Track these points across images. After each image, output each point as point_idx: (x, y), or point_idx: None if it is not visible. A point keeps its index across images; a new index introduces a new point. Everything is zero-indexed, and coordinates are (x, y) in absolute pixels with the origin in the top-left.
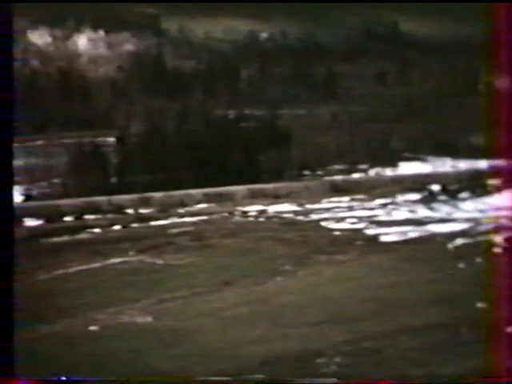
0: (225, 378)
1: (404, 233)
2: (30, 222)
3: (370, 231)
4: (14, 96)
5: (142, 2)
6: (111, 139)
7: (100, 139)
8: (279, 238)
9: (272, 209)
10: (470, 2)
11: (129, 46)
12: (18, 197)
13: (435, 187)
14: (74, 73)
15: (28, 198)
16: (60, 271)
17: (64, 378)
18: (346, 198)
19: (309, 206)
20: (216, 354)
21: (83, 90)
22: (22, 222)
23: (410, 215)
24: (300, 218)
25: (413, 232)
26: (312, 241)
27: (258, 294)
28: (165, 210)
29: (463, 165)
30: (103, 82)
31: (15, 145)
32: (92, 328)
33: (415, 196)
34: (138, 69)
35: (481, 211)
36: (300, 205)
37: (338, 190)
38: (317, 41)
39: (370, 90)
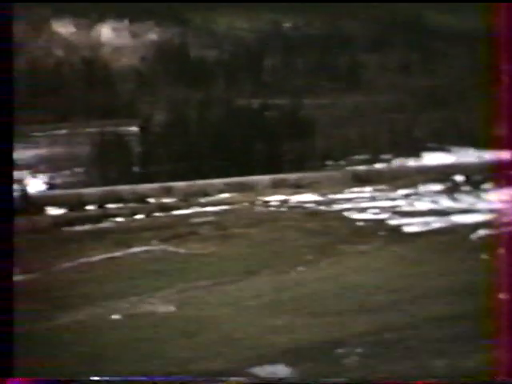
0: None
1: (427, 223)
2: (53, 211)
3: (393, 221)
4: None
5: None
6: (134, 128)
7: (123, 128)
8: (301, 228)
9: (294, 199)
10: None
11: (152, 36)
12: (41, 185)
13: (458, 178)
14: (97, 62)
15: (51, 186)
16: (83, 260)
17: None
18: (369, 189)
19: (331, 196)
20: (238, 343)
21: (107, 80)
22: (44, 210)
23: (433, 206)
24: (322, 208)
25: (436, 222)
26: (334, 231)
27: (281, 284)
28: (187, 199)
29: (487, 155)
30: (126, 71)
31: (38, 133)
32: (114, 317)
33: (438, 186)
34: (161, 58)
35: (504, 202)
36: (322, 195)
37: (360, 180)
38: (340, 31)
39: (393, 80)
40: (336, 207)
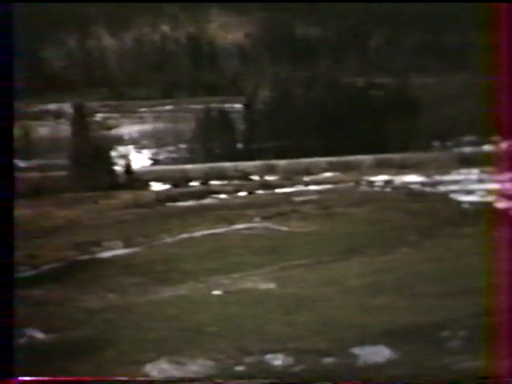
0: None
1: None
2: (157, 186)
3: (500, 204)
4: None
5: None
6: (238, 105)
7: (227, 105)
8: (406, 209)
9: (399, 179)
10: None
11: (257, 13)
12: (145, 161)
13: None
14: (202, 39)
15: (155, 162)
16: (185, 235)
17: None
18: (476, 171)
19: (437, 178)
20: (337, 322)
21: (212, 56)
22: (148, 185)
23: None
24: (427, 189)
25: None
26: (439, 213)
27: (383, 264)
28: (290, 177)
29: None
30: (231, 48)
31: (144, 109)
32: (215, 292)
33: None
34: (266, 35)
35: None
36: (428, 176)
37: (467, 161)
38: (448, 9)
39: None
40: (441, 189)
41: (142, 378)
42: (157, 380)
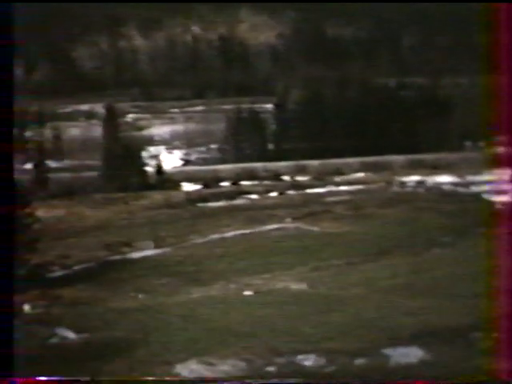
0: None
1: None
2: (188, 187)
3: None
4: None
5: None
6: (270, 106)
7: (258, 106)
8: (438, 210)
9: (431, 179)
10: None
11: (289, 13)
12: (176, 161)
13: None
14: (234, 39)
15: (186, 162)
16: (216, 235)
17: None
18: (509, 171)
19: (469, 178)
20: (369, 324)
21: (243, 57)
22: (179, 186)
23: None
24: (460, 189)
25: None
26: (472, 213)
27: (415, 265)
28: (321, 178)
29: None
30: (263, 48)
31: (175, 109)
32: (246, 293)
33: None
34: (297, 36)
35: None
36: (460, 176)
37: (500, 161)
38: (480, 10)
39: None
40: (474, 189)
41: (172, 378)
42: (187, 380)
